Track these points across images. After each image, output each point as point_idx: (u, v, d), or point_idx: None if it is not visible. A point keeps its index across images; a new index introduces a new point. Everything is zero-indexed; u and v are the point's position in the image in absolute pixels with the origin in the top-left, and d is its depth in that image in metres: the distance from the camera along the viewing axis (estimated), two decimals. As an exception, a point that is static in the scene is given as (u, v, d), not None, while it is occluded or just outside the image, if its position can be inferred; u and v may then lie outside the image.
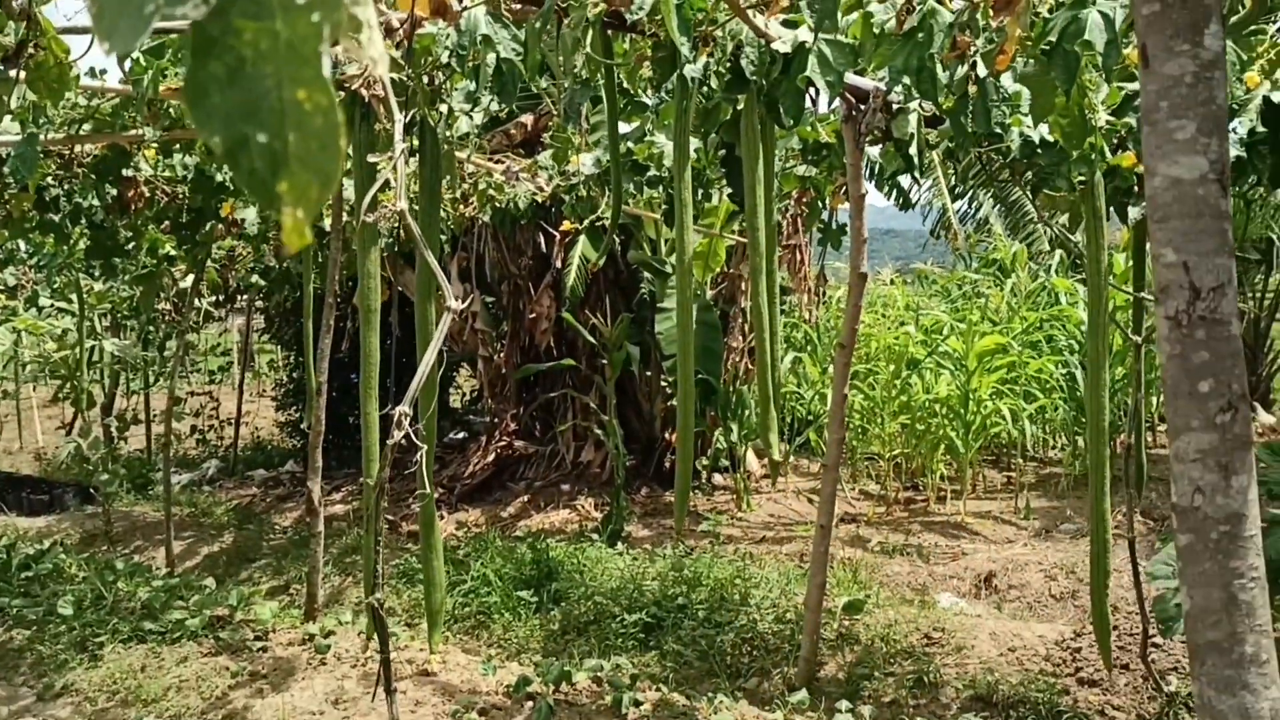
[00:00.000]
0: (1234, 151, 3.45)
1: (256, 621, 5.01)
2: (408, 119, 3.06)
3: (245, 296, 10.13)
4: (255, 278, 7.95)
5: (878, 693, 4.45)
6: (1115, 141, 3.79)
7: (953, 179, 9.59)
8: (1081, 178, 3.74)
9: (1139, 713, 4.08)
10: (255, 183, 0.53)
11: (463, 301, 7.16)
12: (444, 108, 3.66)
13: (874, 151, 5.42)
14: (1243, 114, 3.31)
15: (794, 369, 9.37)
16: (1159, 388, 9.67)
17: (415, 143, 3.44)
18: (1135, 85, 3.09)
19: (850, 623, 4.98)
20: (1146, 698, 4.12)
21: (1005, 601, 5.76)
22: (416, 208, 3.74)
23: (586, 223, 5.31)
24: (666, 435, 8.49)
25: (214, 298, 8.59)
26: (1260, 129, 3.22)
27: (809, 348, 9.64)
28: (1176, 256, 1.01)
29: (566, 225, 5.56)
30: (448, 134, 4.30)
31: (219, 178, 5.07)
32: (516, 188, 6.05)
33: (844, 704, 4.12)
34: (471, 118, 4.74)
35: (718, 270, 8.24)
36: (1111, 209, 4.01)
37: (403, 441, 2.09)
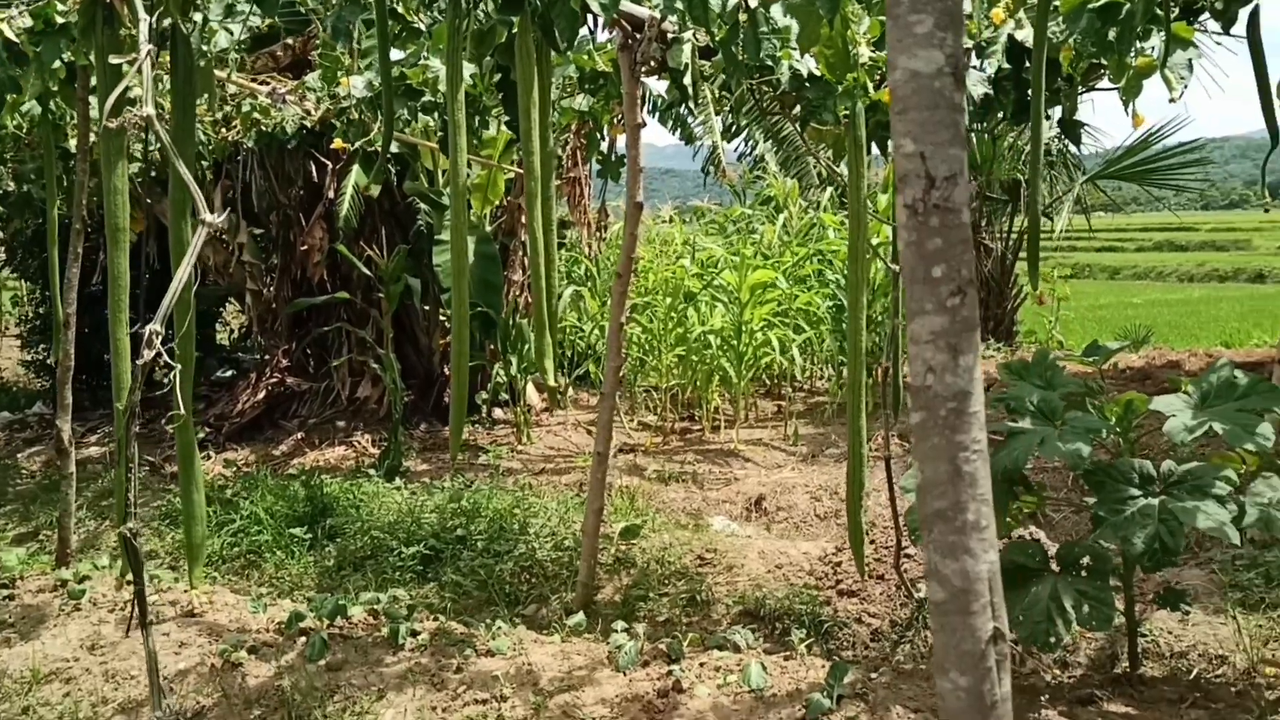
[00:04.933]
0: (983, 89, 3.65)
1: (2, 569, 4.69)
2: (157, 25, 2.86)
3: (-20, 224, 9.32)
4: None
5: (653, 612, 4.58)
6: (879, 77, 3.93)
7: (728, 117, 9.78)
8: (846, 112, 3.88)
9: (892, 618, 4.35)
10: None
11: (229, 232, 6.78)
12: (199, 17, 3.44)
13: (659, 86, 5.46)
14: (990, 52, 3.51)
15: (574, 303, 9.42)
16: (916, 320, 10.25)
17: (168, 55, 3.23)
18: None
19: (627, 547, 5.09)
20: (899, 604, 4.40)
21: (774, 523, 6.01)
22: (169, 122, 3.52)
23: (358, 146, 5.12)
24: (445, 370, 8.39)
25: (-56, 224, 7.86)
26: (1005, 66, 3.41)
27: (589, 282, 9.70)
28: (914, 146, 1.06)
29: (338, 144, 5.34)
30: (205, 49, 4.06)
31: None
32: (283, 111, 5.79)
33: (620, 624, 4.22)
34: (231, 32, 4.48)
35: (497, 202, 8.14)
36: (874, 143, 4.18)
37: (163, 380, 1.98)
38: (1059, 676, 3.76)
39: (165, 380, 1.90)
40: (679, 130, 7.11)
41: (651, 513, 5.81)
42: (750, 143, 12.89)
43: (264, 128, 6.05)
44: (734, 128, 10.92)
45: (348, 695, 3.70)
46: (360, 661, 3.92)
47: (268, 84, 5.75)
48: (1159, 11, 2.79)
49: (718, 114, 9.45)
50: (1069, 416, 3.45)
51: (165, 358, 1.84)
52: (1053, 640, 3.23)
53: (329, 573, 5.14)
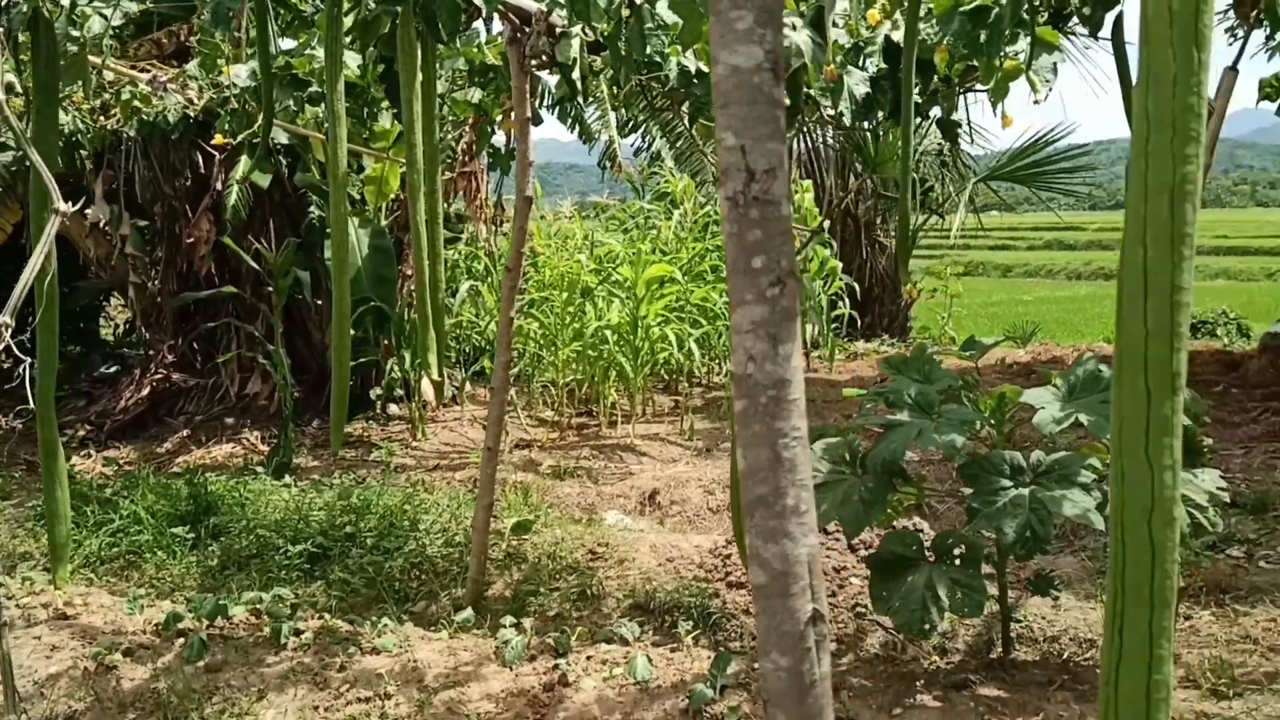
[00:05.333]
0: (864, 88, 3.73)
1: None
2: (14, 7, 2.77)
3: None
4: None
5: (543, 607, 4.57)
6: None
7: (624, 112, 9.79)
8: (732, 109, 3.92)
9: (779, 609, 4.42)
10: None
11: (112, 224, 6.55)
12: (66, 1, 3.33)
13: (554, 80, 5.44)
14: (869, 53, 3.58)
15: (471, 298, 9.36)
16: (811, 315, 10.42)
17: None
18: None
19: (519, 542, 5.08)
20: (786, 595, 4.47)
21: (668, 516, 6.04)
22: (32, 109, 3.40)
23: (242, 138, 5.01)
24: (339, 365, 8.24)
25: None
26: (883, 66, 3.49)
27: (489, 277, 9.64)
28: (735, 140, 1.09)
29: (219, 139, 5.21)
30: (78, 34, 3.94)
31: None
32: (165, 99, 5.64)
33: (508, 619, 4.22)
34: (106, 18, 4.35)
35: (392, 196, 8.04)
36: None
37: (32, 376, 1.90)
38: (937, 663, 3.86)
39: (17, 375, 1.84)
40: (576, 126, 7.10)
41: (545, 508, 5.80)
42: (647, 138, 12.94)
43: (145, 116, 5.89)
44: (630, 123, 10.96)
45: (227, 696, 3.63)
46: (241, 662, 3.85)
47: (148, 71, 5.59)
48: (1026, 16, 2.87)
49: (614, 109, 9.46)
50: (945, 409, 3.54)
51: (17, 351, 1.78)
52: (928, 627, 3.32)
53: (212, 573, 5.03)
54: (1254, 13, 3.08)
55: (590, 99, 9.02)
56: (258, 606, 4.26)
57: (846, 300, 11.42)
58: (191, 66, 5.12)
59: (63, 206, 1.77)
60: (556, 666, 3.70)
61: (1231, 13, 3.23)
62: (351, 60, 4.70)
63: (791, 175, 10.04)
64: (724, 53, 1.07)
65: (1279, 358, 8.98)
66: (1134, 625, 0.98)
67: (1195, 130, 0.90)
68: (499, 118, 5.32)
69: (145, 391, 8.03)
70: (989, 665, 3.75)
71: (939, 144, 12.85)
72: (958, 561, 3.42)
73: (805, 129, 11.90)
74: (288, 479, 6.31)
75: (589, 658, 3.86)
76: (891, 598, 3.41)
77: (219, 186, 7.76)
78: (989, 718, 3.33)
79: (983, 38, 3.06)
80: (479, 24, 4.91)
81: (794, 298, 1.10)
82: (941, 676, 3.68)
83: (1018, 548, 3.22)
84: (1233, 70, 3.74)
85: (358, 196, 8.16)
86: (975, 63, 3.66)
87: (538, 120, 5.35)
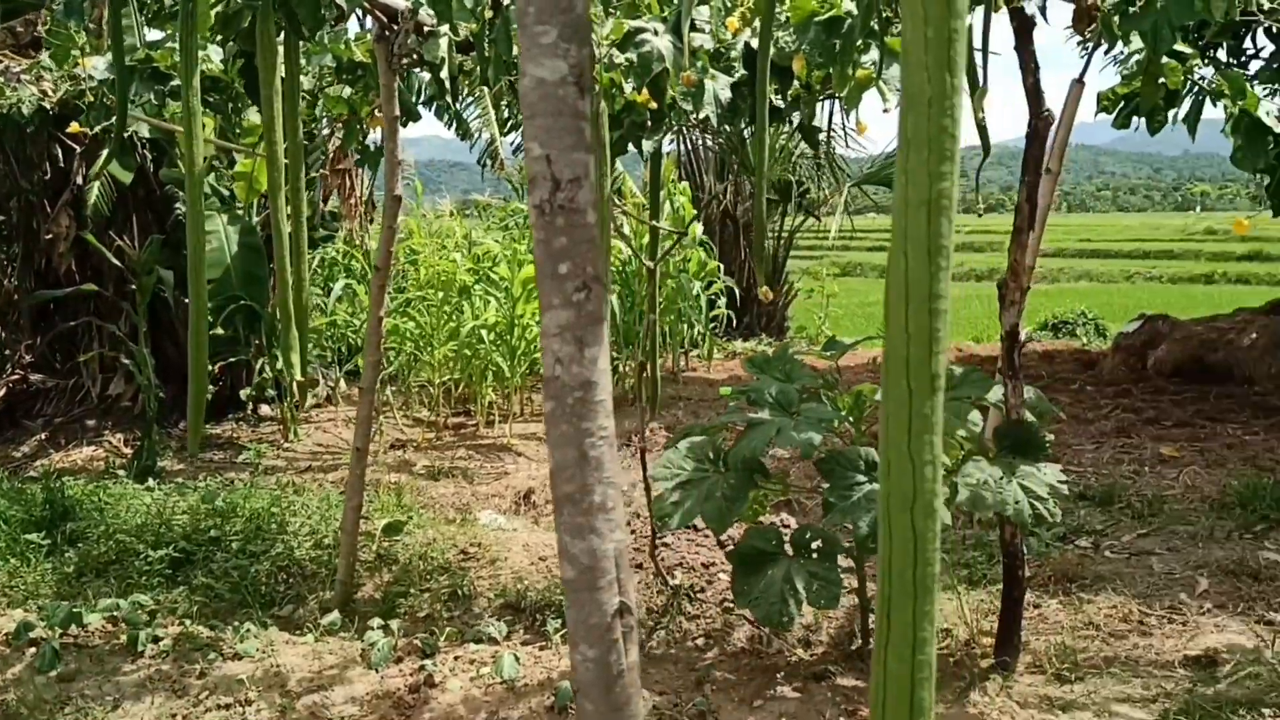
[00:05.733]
0: (727, 94, 3.80)
1: None
2: None
3: None
4: None
5: (414, 608, 4.54)
6: (634, 81, 4.03)
7: (505, 110, 9.74)
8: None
9: (649, 605, 4.47)
10: None
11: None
12: (-97, -14, 3.20)
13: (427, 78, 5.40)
14: (733, 58, 3.65)
15: (347, 297, 9.23)
16: (689, 315, 10.54)
17: None
18: (638, 22, 3.30)
19: (390, 544, 5.03)
20: (656, 592, 4.53)
21: (542, 516, 6.06)
22: None
23: (96, 131, 4.85)
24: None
25: None
26: (743, 72, 3.56)
27: (366, 276, 9.51)
28: (541, 150, 1.12)
29: (74, 127, 5.03)
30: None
31: None
32: (19, 91, 5.44)
33: (376, 621, 4.19)
34: (-49, 4, 4.18)
35: (263, 192, 7.87)
36: (629, 143, 4.28)
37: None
38: (800, 655, 3.96)
39: None
40: (454, 124, 7.05)
41: (418, 509, 5.76)
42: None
43: (-2, 108, 5.67)
44: (511, 121, 10.92)
45: (80, 706, 3.53)
46: (96, 671, 3.75)
47: (1, 63, 5.38)
48: (876, 27, 2.97)
49: (495, 107, 9.42)
50: (805, 407, 3.64)
51: None
52: (786, 619, 3.41)
53: (68, 580, 4.86)
54: (1090, 27, 3.24)
55: (471, 97, 8.96)
56: (115, 614, 4.14)
57: (724, 300, 11.59)
58: (45, 58, 4.95)
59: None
60: (423, 668, 3.69)
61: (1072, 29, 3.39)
62: (215, 54, 4.62)
63: (670, 176, 10.10)
64: (530, 65, 1.10)
65: (1130, 356, 9.43)
66: (900, 610, 1.04)
67: (950, 150, 0.97)
68: (367, 115, 5.27)
69: (0, 393, 7.71)
70: (849, 656, 3.87)
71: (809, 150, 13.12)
72: (815, 555, 3.52)
73: (683, 131, 12.02)
74: (151, 482, 6.13)
75: (456, 658, 3.86)
76: (752, 591, 3.50)
77: (80, 181, 7.49)
78: (845, 707, 3.44)
79: (837, 47, 3.15)
80: (351, 20, 4.86)
81: (600, 302, 1.14)
82: (803, 668, 3.78)
83: (870, 541, 3.33)
84: (1079, 82, 3.93)
85: (227, 193, 7.98)
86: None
87: (416, 117, 5.32)
